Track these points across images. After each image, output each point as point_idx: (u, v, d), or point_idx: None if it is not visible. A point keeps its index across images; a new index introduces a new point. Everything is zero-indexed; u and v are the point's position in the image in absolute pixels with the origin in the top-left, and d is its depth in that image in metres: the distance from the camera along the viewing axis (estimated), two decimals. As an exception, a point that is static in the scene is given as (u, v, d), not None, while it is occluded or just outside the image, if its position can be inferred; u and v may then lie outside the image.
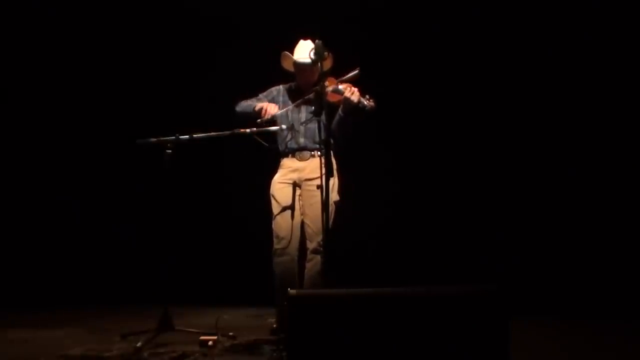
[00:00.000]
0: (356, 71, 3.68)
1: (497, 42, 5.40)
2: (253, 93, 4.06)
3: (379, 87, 3.85)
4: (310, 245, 3.82)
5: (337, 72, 3.78)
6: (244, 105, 3.99)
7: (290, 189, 3.89)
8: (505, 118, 5.39)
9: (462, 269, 5.06)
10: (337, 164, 3.68)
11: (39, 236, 5.85)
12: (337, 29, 4.50)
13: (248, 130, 3.80)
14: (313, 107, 3.83)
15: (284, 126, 3.86)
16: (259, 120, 3.79)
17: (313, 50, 3.50)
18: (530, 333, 3.98)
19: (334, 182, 3.78)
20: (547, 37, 5.33)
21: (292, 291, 2.56)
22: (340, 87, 3.71)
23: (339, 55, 3.78)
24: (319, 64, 3.47)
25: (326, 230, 3.28)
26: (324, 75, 3.50)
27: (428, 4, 5.51)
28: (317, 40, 3.47)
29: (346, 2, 5.32)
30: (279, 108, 3.91)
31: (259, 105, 3.86)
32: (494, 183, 5.40)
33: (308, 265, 3.82)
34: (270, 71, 4.14)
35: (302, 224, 3.88)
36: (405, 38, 5.51)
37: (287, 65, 4.01)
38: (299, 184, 3.91)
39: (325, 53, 3.51)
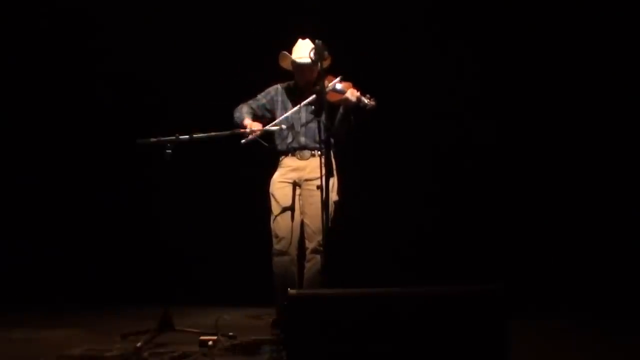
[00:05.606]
0: (337, 78, 3.71)
1: (501, 38, 5.40)
2: (252, 94, 4.05)
3: (377, 86, 3.85)
4: (310, 245, 3.82)
5: (335, 70, 3.78)
6: (237, 114, 3.98)
7: (290, 188, 3.89)
8: (506, 118, 5.39)
9: (463, 269, 5.05)
10: (336, 163, 3.68)
11: (39, 236, 5.84)
12: (335, 27, 4.50)
13: (248, 130, 3.80)
14: (313, 107, 3.84)
15: (284, 126, 3.86)
16: (242, 141, 3.77)
17: (313, 51, 3.50)
18: (531, 333, 3.97)
19: (333, 182, 3.78)
20: (544, 37, 5.33)
21: (291, 291, 2.56)
22: (340, 86, 3.71)
23: (337, 51, 3.78)
24: (319, 63, 3.47)
25: (326, 230, 3.28)
26: (323, 74, 3.50)
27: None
28: (317, 41, 3.47)
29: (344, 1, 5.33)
30: (278, 107, 3.94)
31: (244, 123, 3.85)
32: (495, 182, 5.39)
33: (307, 265, 3.82)
34: (269, 70, 4.14)
35: (302, 223, 3.87)
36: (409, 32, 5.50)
37: (286, 65, 4.00)
38: (299, 183, 3.90)
39: (325, 53, 3.51)
